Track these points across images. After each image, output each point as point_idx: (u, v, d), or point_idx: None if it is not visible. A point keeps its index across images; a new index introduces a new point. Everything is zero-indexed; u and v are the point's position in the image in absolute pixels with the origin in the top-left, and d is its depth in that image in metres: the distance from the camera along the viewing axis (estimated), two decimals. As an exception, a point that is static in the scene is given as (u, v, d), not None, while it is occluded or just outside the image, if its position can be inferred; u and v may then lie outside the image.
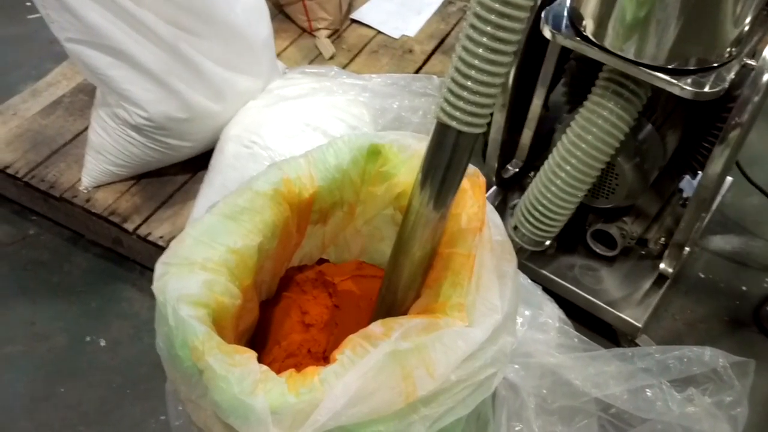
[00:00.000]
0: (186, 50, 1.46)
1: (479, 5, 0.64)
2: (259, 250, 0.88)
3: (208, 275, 0.80)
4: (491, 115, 0.72)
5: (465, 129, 0.71)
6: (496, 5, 0.63)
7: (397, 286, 0.88)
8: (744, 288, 1.66)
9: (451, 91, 0.69)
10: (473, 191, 0.88)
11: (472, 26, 0.66)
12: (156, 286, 0.79)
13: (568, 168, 1.24)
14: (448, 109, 0.70)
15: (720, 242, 1.75)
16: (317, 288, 1.07)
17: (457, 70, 0.68)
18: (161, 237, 1.53)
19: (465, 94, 0.68)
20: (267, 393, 0.70)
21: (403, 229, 0.83)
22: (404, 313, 0.90)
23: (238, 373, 0.70)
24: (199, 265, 0.81)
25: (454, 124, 0.70)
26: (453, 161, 0.74)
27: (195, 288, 0.78)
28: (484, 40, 0.65)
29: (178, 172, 1.67)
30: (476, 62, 0.66)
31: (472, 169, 0.92)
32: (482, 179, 0.91)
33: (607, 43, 1.13)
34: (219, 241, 0.84)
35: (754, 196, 1.76)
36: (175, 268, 0.81)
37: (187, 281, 0.79)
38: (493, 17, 0.64)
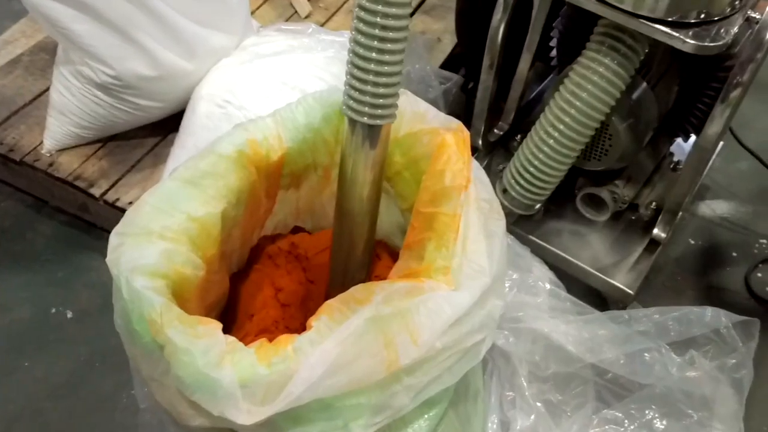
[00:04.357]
0: (155, 3, 1.37)
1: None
2: (224, 218, 0.81)
3: (167, 245, 0.74)
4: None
5: (376, 122, 0.72)
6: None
7: (351, 238, 0.85)
8: (734, 254, 1.63)
9: (353, 87, 0.70)
10: (458, 146, 0.82)
11: (360, 19, 0.66)
12: (110, 259, 0.73)
13: (561, 127, 1.18)
14: (354, 105, 0.72)
15: (709, 208, 1.72)
16: (290, 262, 1.01)
17: (355, 65, 0.69)
18: (130, 203, 1.46)
19: (368, 88, 0.69)
20: (235, 365, 0.64)
21: (345, 155, 0.80)
22: (364, 267, 0.85)
23: (202, 345, 0.64)
24: (157, 235, 0.75)
25: (364, 119, 0.72)
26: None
27: (152, 258, 0.72)
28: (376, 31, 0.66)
29: (148, 135, 1.58)
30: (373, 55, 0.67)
31: (455, 122, 0.86)
32: (466, 133, 0.85)
33: (603, -7, 1.07)
34: (179, 208, 0.78)
35: (742, 161, 1.73)
36: (131, 238, 0.74)
37: (144, 252, 0.72)
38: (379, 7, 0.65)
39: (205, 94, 1.45)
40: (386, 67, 0.68)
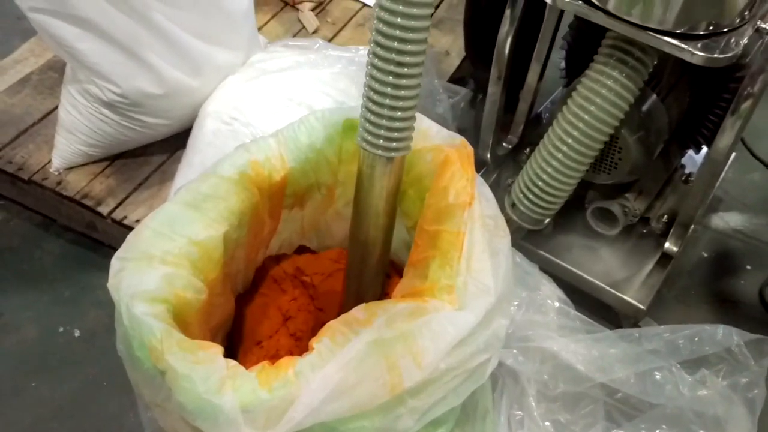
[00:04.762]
0: (160, 21, 1.37)
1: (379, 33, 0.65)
2: (226, 240, 0.81)
3: (167, 269, 0.73)
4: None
5: (391, 155, 0.73)
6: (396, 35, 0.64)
7: (365, 254, 0.84)
8: (748, 266, 1.60)
9: (368, 120, 0.70)
10: (461, 163, 0.81)
11: (376, 54, 0.66)
12: (111, 284, 0.73)
13: (570, 141, 1.17)
14: (369, 137, 0.72)
15: (722, 220, 1.69)
16: (297, 288, 1.00)
17: (370, 99, 0.69)
18: (138, 220, 1.45)
19: (383, 122, 0.69)
20: (236, 390, 0.63)
21: (360, 185, 0.79)
22: (378, 290, 0.84)
23: (203, 371, 0.63)
24: (158, 259, 0.74)
25: (379, 152, 0.72)
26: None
27: (152, 283, 0.71)
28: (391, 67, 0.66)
29: (155, 152, 1.58)
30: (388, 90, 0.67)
31: (458, 139, 0.85)
32: (470, 149, 0.84)
33: (611, 7, 1.05)
34: (180, 232, 0.77)
35: (755, 172, 1.71)
36: (132, 263, 0.74)
37: (144, 277, 0.72)
38: (395, 44, 0.65)
39: (211, 111, 1.45)
40: (401, 102, 0.68)
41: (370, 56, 0.67)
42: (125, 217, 1.46)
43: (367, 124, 0.71)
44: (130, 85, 1.40)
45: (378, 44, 0.65)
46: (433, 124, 0.87)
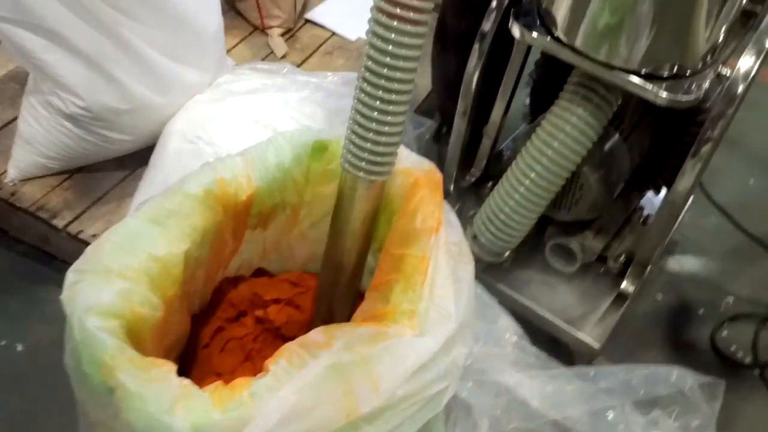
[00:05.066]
0: (128, 37, 1.36)
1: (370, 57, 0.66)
2: (187, 258, 0.79)
3: (125, 284, 0.71)
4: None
5: (372, 178, 0.73)
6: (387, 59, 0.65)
7: (337, 274, 0.84)
8: (701, 311, 1.62)
9: (353, 142, 0.71)
10: (430, 188, 0.81)
11: (365, 79, 0.67)
12: (65, 296, 0.70)
13: (532, 175, 1.18)
14: (352, 159, 0.72)
15: (678, 263, 1.72)
16: (257, 323, 0.98)
17: (356, 122, 0.69)
18: (94, 236, 1.42)
19: (368, 145, 0.70)
20: (188, 411, 0.60)
21: (339, 206, 0.79)
22: (347, 313, 0.83)
23: (155, 390, 0.61)
24: (116, 273, 0.71)
25: (361, 174, 0.72)
26: None
27: (108, 297, 0.69)
28: (380, 93, 0.67)
29: (116, 168, 1.56)
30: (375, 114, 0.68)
31: (428, 164, 0.85)
32: (439, 175, 0.84)
33: (579, 45, 1.07)
34: (141, 247, 0.75)
35: (712, 217, 1.74)
36: (89, 275, 0.71)
37: (100, 291, 0.69)
38: (385, 71, 0.66)
39: (176, 130, 1.44)
40: (387, 127, 0.69)
41: (360, 80, 0.68)
42: (81, 232, 1.43)
43: (352, 146, 0.71)
44: (94, 98, 1.38)
45: (368, 69, 0.66)
46: (403, 147, 0.87)
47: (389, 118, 0.68)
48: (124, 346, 0.66)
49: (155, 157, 1.45)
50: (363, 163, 0.71)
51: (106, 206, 1.49)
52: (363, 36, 2.00)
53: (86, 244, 1.39)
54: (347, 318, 0.87)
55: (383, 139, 0.69)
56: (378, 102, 0.67)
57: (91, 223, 1.45)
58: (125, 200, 1.50)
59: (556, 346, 1.40)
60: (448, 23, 1.55)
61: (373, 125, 0.68)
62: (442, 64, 1.62)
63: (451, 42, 1.55)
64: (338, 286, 0.85)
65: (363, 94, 0.68)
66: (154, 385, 0.62)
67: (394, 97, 0.67)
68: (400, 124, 0.70)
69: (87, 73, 1.36)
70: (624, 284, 1.37)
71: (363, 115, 0.68)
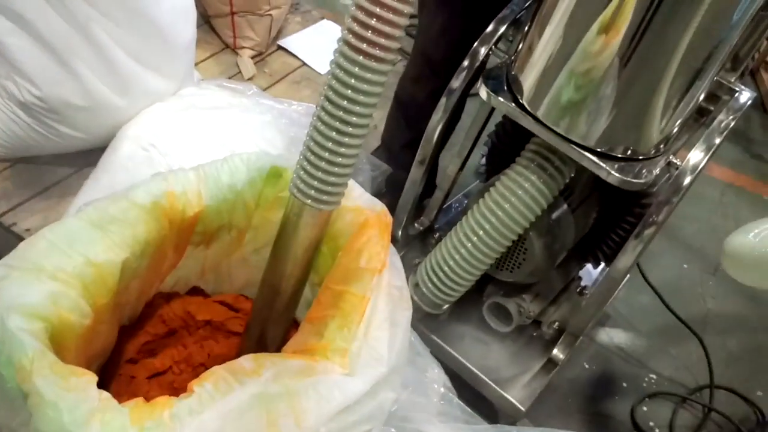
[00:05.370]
0: (98, 34, 1.34)
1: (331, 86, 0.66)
2: (124, 268, 0.77)
3: (56, 286, 0.69)
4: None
5: (320, 207, 0.73)
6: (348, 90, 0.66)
7: (272, 302, 0.83)
8: (624, 384, 1.66)
9: (304, 169, 0.71)
10: (379, 229, 0.81)
11: (324, 109, 0.67)
12: None
13: (480, 233, 1.20)
14: (302, 186, 0.72)
15: (607, 336, 1.76)
16: (187, 339, 0.96)
17: (310, 149, 0.69)
18: (27, 230, 1.38)
19: (319, 174, 0.70)
20: (104, 425, 0.58)
21: (283, 231, 0.78)
22: (280, 339, 0.82)
23: (71, 400, 0.59)
24: (48, 274, 0.69)
25: (309, 202, 0.72)
26: None
27: (35, 298, 0.66)
28: (336, 123, 0.67)
29: (62, 164, 1.52)
30: (330, 145, 0.68)
31: (380, 205, 0.86)
32: (389, 218, 0.85)
33: (541, 115, 1.10)
34: (78, 249, 0.73)
35: (644, 295, 1.79)
36: (19, 272, 0.68)
37: (29, 289, 0.67)
38: (344, 102, 0.66)
39: (131, 135, 1.41)
40: (340, 159, 0.69)
41: (318, 108, 0.68)
42: (15, 224, 1.39)
43: (302, 173, 0.71)
44: (52, 90, 1.35)
45: (328, 99, 0.67)
46: (357, 186, 0.88)
47: (343, 149, 0.68)
48: (45, 350, 0.63)
49: (105, 159, 1.42)
50: (312, 191, 0.71)
51: (46, 201, 1.45)
52: (331, 70, 2.01)
53: (19, 237, 1.35)
54: (279, 343, 0.86)
55: (335, 170, 0.69)
56: (334, 133, 0.67)
57: (27, 217, 1.41)
58: (66, 198, 1.46)
59: (481, 402, 1.40)
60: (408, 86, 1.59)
61: (326, 155, 0.68)
62: (399, 118, 1.67)
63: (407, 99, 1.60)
64: (273, 311, 0.84)
65: (320, 123, 0.68)
66: (72, 394, 0.60)
67: (350, 129, 0.67)
68: (353, 157, 0.70)
69: (49, 63, 1.33)
70: (555, 351, 1.39)
71: (317, 144, 0.68)
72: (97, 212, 0.76)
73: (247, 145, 1.43)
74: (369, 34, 0.62)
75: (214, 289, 1.04)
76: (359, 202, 0.86)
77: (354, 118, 0.67)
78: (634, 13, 0.93)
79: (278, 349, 0.80)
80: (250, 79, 1.93)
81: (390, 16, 0.62)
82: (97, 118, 1.43)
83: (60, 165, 1.52)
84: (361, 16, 0.62)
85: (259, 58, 2.03)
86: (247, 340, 0.89)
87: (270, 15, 1.98)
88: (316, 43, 2.12)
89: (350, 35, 0.63)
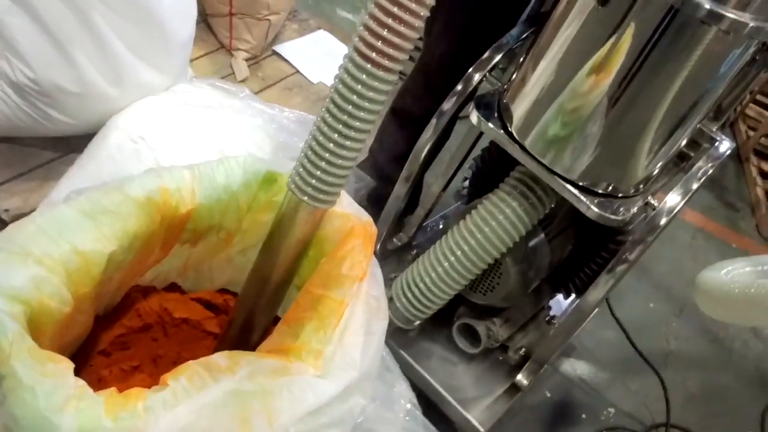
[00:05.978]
0: (97, 21, 1.34)
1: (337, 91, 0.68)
2: (110, 260, 0.77)
3: (40, 271, 0.69)
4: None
5: (316, 205, 0.74)
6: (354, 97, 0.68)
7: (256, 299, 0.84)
8: (583, 416, 1.68)
9: (303, 167, 0.73)
10: (363, 239, 0.83)
11: (329, 111, 0.69)
12: None
13: (458, 253, 1.22)
14: (300, 182, 0.74)
15: (571, 367, 1.79)
16: (163, 336, 0.96)
17: (311, 148, 0.71)
18: (6, 210, 1.37)
19: (318, 173, 0.72)
20: (79, 412, 0.59)
21: (277, 225, 0.80)
22: (255, 343, 0.83)
23: (48, 385, 0.59)
24: (34, 258, 0.70)
25: (305, 199, 0.74)
26: None
27: (19, 281, 0.67)
28: (340, 127, 0.69)
29: (47, 147, 1.51)
30: (330, 146, 0.70)
31: (366, 217, 0.88)
32: (374, 229, 0.87)
33: (528, 144, 1.13)
34: (66, 237, 0.73)
35: (610, 330, 1.82)
36: (5, 254, 0.69)
37: (12, 272, 0.67)
38: (349, 107, 0.68)
39: (121, 125, 1.41)
40: (340, 160, 0.71)
41: (323, 110, 0.70)
42: (-6, 203, 1.38)
43: (302, 170, 0.73)
44: (45, 73, 1.35)
45: (334, 102, 0.69)
46: (346, 194, 0.89)
47: (344, 152, 0.70)
48: (24, 334, 0.64)
49: (93, 147, 1.42)
50: (309, 189, 0.73)
51: (27, 183, 1.44)
52: (324, 81, 2.03)
53: (-2, 219, 1.35)
54: (263, 332, 0.87)
55: (334, 170, 0.72)
56: (337, 135, 0.69)
57: (7, 197, 1.40)
58: (49, 182, 1.45)
59: (445, 420, 1.42)
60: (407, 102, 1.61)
61: (327, 155, 0.70)
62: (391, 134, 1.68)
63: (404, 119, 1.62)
64: (262, 298, 0.85)
65: (323, 124, 0.70)
66: (49, 380, 0.60)
67: (352, 134, 0.69)
68: (352, 160, 0.72)
69: (45, 46, 1.33)
70: (519, 377, 1.41)
71: (319, 144, 0.70)
72: (90, 202, 0.77)
73: (236, 146, 1.44)
74: (379, 44, 0.65)
75: (192, 287, 1.05)
76: (348, 209, 0.88)
77: (357, 123, 0.69)
78: (626, 56, 0.97)
79: (262, 338, 0.81)
80: (242, 81, 1.94)
81: (402, 28, 0.64)
82: (88, 105, 1.43)
83: (45, 148, 1.51)
84: (374, 25, 0.64)
85: (253, 61, 2.04)
86: (229, 332, 0.90)
87: (268, 20, 2.00)
88: (311, 52, 2.14)
89: (361, 43, 0.66)
